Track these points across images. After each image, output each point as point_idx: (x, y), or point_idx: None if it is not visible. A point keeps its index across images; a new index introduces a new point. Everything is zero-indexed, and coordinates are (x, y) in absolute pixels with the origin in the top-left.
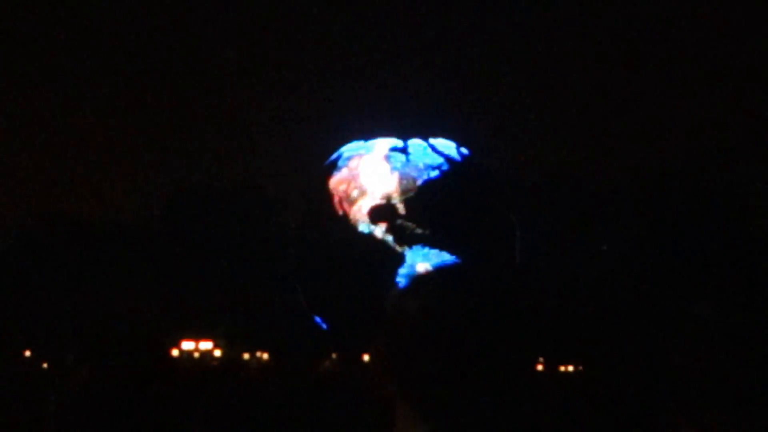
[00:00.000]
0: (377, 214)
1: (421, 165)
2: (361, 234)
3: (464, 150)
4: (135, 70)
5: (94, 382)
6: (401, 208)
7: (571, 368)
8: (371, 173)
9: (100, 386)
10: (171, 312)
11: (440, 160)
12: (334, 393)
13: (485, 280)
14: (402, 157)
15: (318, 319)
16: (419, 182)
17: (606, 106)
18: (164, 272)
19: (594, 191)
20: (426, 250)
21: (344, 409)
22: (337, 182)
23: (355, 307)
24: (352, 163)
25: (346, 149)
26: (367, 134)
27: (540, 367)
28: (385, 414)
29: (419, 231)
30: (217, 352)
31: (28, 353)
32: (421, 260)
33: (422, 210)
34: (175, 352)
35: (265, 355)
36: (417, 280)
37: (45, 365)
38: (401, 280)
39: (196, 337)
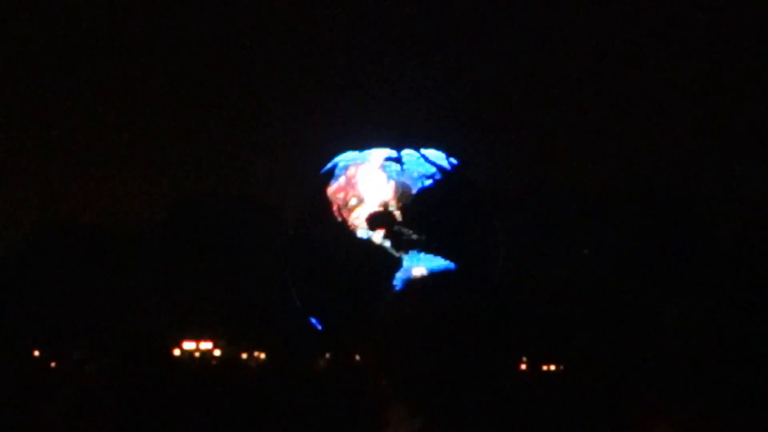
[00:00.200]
0: (375, 220)
1: (415, 174)
2: (360, 239)
3: (453, 160)
4: (137, 76)
5: (101, 381)
6: (398, 215)
7: (553, 367)
8: (368, 182)
9: (106, 384)
10: (174, 314)
11: (433, 169)
12: (329, 391)
13: (470, 284)
14: (397, 166)
15: (313, 320)
16: (414, 191)
17: (590, 113)
18: (167, 276)
19: (573, 197)
20: (422, 254)
21: (339, 406)
22: (335, 190)
23: (351, 309)
24: (349, 172)
25: (342, 159)
26: (361, 144)
27: (523, 366)
28: (379, 411)
29: (415, 237)
30: (217, 352)
31: (36, 353)
32: (416, 264)
33: (418, 217)
34: (177, 352)
35: (263, 355)
36: (410, 283)
37: (53, 365)
38: (397, 284)
39: (197, 337)
